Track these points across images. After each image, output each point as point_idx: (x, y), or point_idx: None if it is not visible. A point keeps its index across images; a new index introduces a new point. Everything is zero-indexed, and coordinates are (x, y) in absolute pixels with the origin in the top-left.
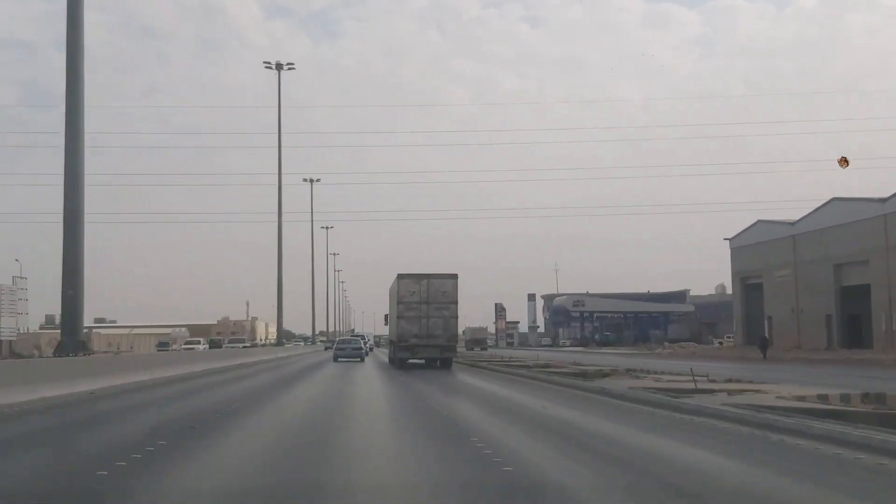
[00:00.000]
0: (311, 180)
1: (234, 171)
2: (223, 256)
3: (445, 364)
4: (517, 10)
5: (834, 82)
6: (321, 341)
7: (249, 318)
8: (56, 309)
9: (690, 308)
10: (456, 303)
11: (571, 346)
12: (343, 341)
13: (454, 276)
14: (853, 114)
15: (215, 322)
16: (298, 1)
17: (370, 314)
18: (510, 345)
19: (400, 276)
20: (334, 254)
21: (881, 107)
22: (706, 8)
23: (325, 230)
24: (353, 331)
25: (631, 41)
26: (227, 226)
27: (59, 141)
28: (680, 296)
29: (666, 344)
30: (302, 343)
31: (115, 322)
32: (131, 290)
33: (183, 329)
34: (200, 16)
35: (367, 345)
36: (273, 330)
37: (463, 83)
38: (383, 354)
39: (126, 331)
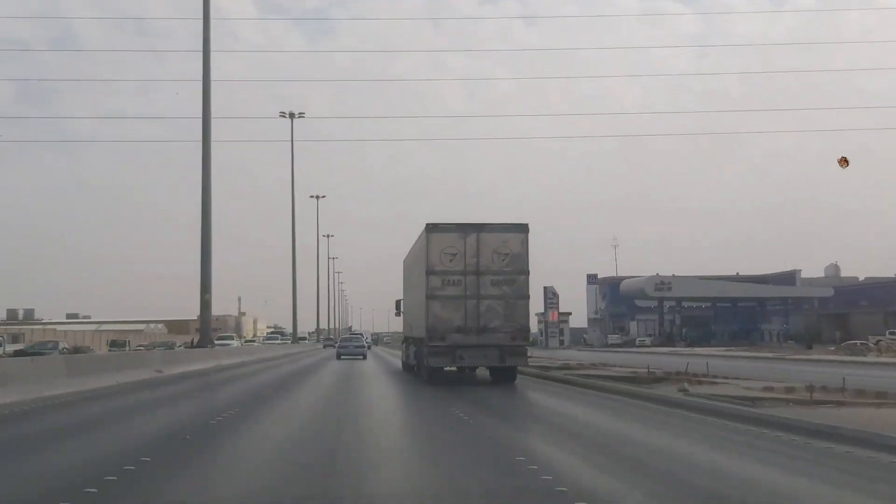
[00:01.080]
0: (293, 115)
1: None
2: (216, 251)
3: (506, 376)
4: (513, 7)
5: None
6: (301, 339)
7: (237, 314)
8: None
9: (827, 292)
10: (527, 272)
11: (652, 344)
12: (345, 339)
13: (522, 228)
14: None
15: (195, 318)
16: None
17: (368, 310)
18: (561, 343)
19: (431, 229)
20: (328, 235)
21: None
22: (702, 6)
23: (314, 199)
24: (350, 328)
25: (627, 38)
26: (222, 222)
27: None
28: (787, 278)
29: (884, 341)
30: (236, 341)
31: (88, 317)
32: (119, 286)
33: (160, 325)
34: (194, 13)
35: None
36: (266, 327)
37: (458, 80)
38: (386, 353)
39: (94, 326)
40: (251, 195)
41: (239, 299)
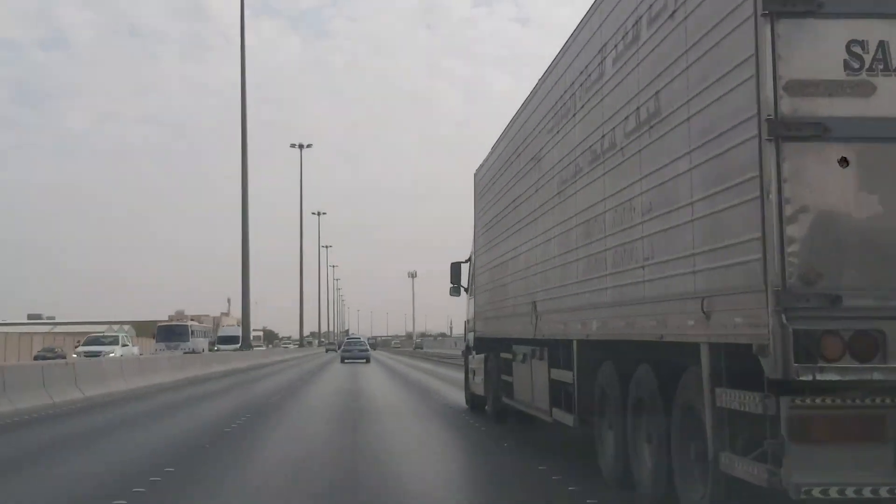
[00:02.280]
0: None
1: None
2: (205, 250)
3: None
4: (508, 10)
5: None
6: (285, 342)
7: (219, 314)
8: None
9: None
10: None
11: None
12: (349, 344)
13: None
14: None
15: (166, 318)
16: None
17: (366, 312)
18: None
19: None
20: (318, 213)
21: None
22: None
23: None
24: (347, 331)
25: None
26: (211, 220)
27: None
28: None
29: None
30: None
31: (53, 318)
32: (89, 287)
33: (125, 327)
34: (187, 14)
35: None
36: (253, 329)
37: (453, 82)
38: (400, 364)
39: (47, 328)
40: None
41: (228, 300)
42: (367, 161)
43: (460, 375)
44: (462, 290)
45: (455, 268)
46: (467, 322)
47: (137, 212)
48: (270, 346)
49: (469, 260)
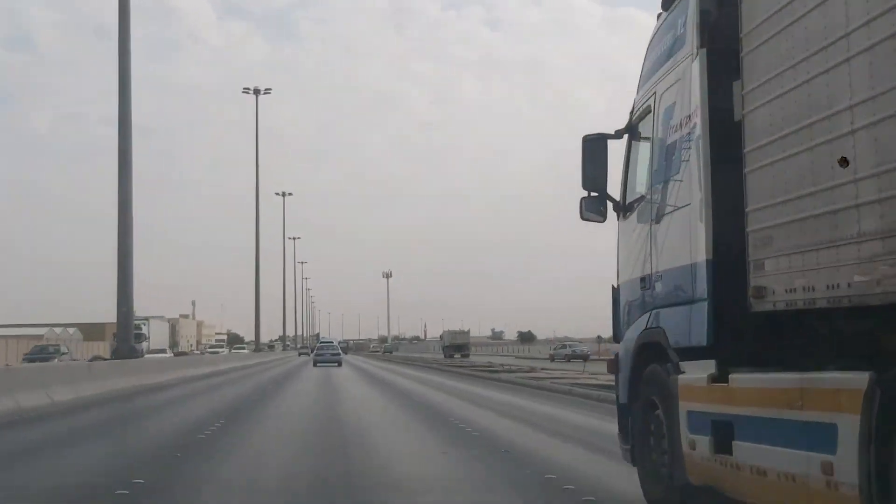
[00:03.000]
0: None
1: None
2: (165, 252)
3: None
4: (477, 12)
5: None
6: (212, 347)
7: (178, 316)
8: None
9: None
10: None
11: None
12: (321, 347)
13: None
14: None
15: (112, 321)
16: (255, 1)
17: (336, 316)
18: None
19: None
20: (283, 193)
21: None
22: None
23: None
24: (317, 335)
25: (591, 44)
26: (174, 221)
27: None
28: None
29: None
30: None
31: None
32: (56, 287)
33: (71, 330)
34: (153, 15)
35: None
36: (216, 333)
37: (423, 85)
38: (386, 373)
39: None
40: (214, 191)
41: (193, 304)
42: (336, 160)
43: (474, 389)
44: (610, 205)
45: (595, 151)
46: (643, 281)
47: (96, 212)
48: (231, 350)
49: (628, 129)
